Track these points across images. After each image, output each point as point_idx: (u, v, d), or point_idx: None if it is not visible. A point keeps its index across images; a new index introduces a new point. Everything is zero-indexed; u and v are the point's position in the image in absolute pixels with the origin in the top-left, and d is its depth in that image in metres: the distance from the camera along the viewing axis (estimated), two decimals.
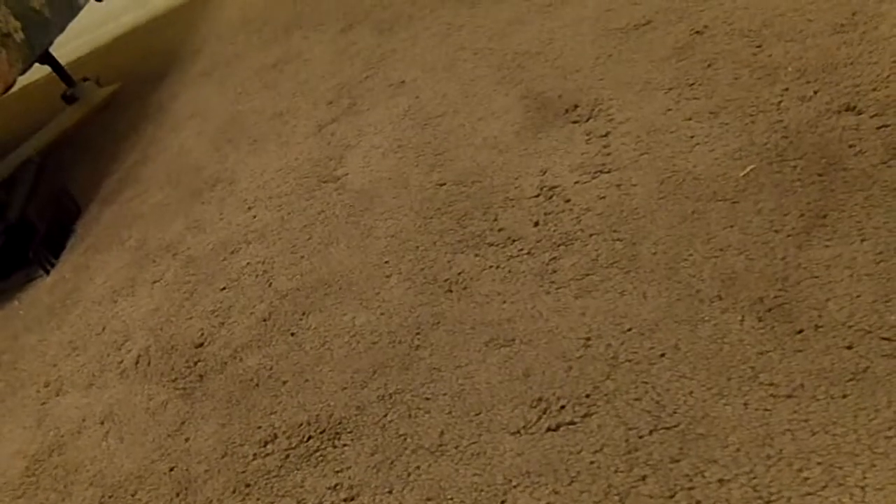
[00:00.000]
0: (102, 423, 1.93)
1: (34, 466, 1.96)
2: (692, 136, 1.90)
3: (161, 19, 6.25)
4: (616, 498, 1.23)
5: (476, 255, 1.85)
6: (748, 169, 1.74)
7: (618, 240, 1.70)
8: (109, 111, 4.56)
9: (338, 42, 3.69)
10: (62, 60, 5.04)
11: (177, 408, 1.85)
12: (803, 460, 1.15)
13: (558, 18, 2.81)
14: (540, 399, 1.42)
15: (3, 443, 2.12)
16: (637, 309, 1.51)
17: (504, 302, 1.67)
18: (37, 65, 4.26)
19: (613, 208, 1.79)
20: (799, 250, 1.48)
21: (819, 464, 1.14)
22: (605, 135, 2.05)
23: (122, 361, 2.11)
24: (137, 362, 2.07)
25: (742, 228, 1.58)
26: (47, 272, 2.87)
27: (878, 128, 1.66)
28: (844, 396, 1.20)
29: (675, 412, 1.29)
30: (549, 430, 1.36)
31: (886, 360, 1.22)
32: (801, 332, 1.32)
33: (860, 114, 1.73)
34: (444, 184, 2.16)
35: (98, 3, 4.83)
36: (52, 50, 4.67)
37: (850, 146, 1.65)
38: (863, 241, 1.43)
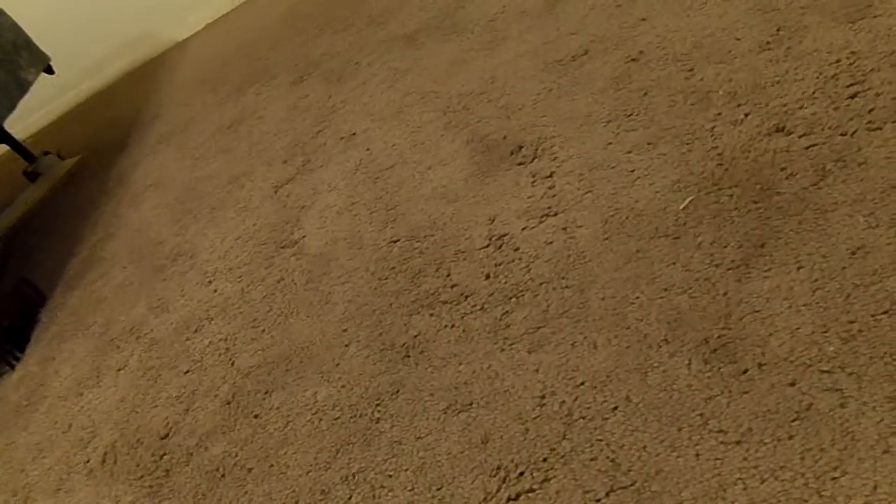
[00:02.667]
0: None
1: None
2: (632, 170, 1.92)
3: (119, 85, 6.26)
4: None
5: (431, 315, 1.85)
6: (687, 201, 1.75)
7: (566, 287, 1.70)
8: (71, 186, 4.55)
9: (290, 96, 3.71)
10: (22, 135, 5.03)
11: None
12: None
13: (499, 55, 2.83)
14: (499, 467, 1.42)
15: None
16: (588, 360, 1.51)
17: (460, 364, 1.68)
18: None
19: (561, 253, 1.80)
20: (739, 284, 1.48)
21: None
22: (550, 175, 2.06)
23: (88, 461, 2.09)
24: (104, 460, 2.05)
25: (684, 265, 1.59)
26: (13, 368, 2.85)
27: (807, 147, 1.68)
28: (790, 438, 1.21)
29: (629, 470, 1.29)
30: (509, 500, 1.36)
31: (828, 394, 1.23)
32: (745, 371, 1.33)
33: (789, 134, 1.74)
34: (398, 240, 2.17)
35: (51, 76, 4.82)
36: (9, 126, 4.67)
37: (782, 169, 1.67)
38: (799, 268, 1.44)
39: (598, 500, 1.28)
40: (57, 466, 2.17)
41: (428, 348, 1.77)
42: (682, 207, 1.74)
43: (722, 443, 1.26)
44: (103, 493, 1.96)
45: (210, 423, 1.95)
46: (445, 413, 1.59)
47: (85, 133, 5.47)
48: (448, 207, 2.18)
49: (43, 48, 4.60)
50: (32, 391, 2.63)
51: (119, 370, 2.40)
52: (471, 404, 1.58)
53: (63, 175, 4.79)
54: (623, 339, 1.52)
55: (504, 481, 1.39)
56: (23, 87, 4.40)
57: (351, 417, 1.72)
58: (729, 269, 1.53)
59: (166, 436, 2.00)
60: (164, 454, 1.94)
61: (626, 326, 1.54)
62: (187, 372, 2.18)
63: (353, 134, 2.93)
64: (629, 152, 1.98)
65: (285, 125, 3.42)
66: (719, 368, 1.36)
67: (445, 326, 1.80)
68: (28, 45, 4.44)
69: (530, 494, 1.35)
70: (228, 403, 1.97)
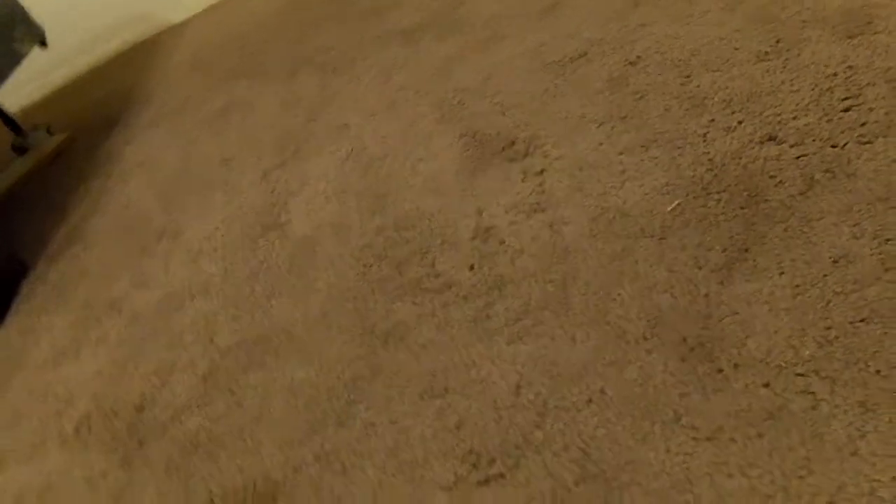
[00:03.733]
0: (41, 497, 1.90)
1: None
2: (623, 171, 1.93)
3: (113, 64, 6.22)
4: None
5: (413, 303, 1.85)
6: (675, 203, 1.76)
7: (550, 282, 1.71)
8: (59, 161, 4.53)
9: (284, 86, 3.71)
10: (13, 108, 4.99)
11: (115, 477, 1.82)
12: None
13: (496, 54, 2.84)
14: (471, 452, 1.42)
15: None
16: (566, 353, 1.52)
17: (439, 351, 1.68)
18: None
19: (546, 249, 1.80)
20: (721, 286, 1.49)
21: None
22: (540, 172, 2.07)
23: (63, 430, 2.08)
24: (78, 430, 2.04)
25: (668, 266, 1.60)
26: None
27: (798, 157, 1.69)
28: (761, 436, 1.21)
29: (600, 460, 1.30)
30: (479, 484, 1.36)
31: (801, 396, 1.24)
32: (721, 371, 1.34)
33: (781, 143, 1.76)
34: (385, 229, 2.17)
35: (45, 49, 4.79)
36: None
37: (771, 177, 1.68)
38: (781, 274, 1.45)
39: (568, 489, 1.29)
40: (31, 434, 2.15)
41: (408, 335, 1.77)
42: (669, 209, 1.75)
43: (693, 438, 1.27)
44: (76, 461, 1.95)
45: (186, 397, 1.94)
46: (421, 398, 1.59)
47: (76, 109, 5.44)
48: (437, 199, 2.18)
49: (38, 22, 4.57)
50: (10, 359, 2.61)
51: (98, 343, 2.39)
52: (446, 390, 1.58)
53: (51, 150, 4.76)
54: (602, 334, 1.53)
55: (475, 466, 1.40)
56: (16, 60, 4.37)
57: (327, 398, 1.72)
58: (712, 272, 1.54)
59: (142, 408, 1.99)
60: (139, 426, 1.94)
61: (605, 322, 1.55)
62: (166, 347, 2.17)
63: (346, 125, 2.93)
64: (621, 153, 1.99)
65: (278, 113, 3.42)
66: (695, 367, 1.37)
67: (427, 314, 1.80)
68: (23, 17, 4.41)
69: (500, 480, 1.35)
70: (206, 380, 1.96)
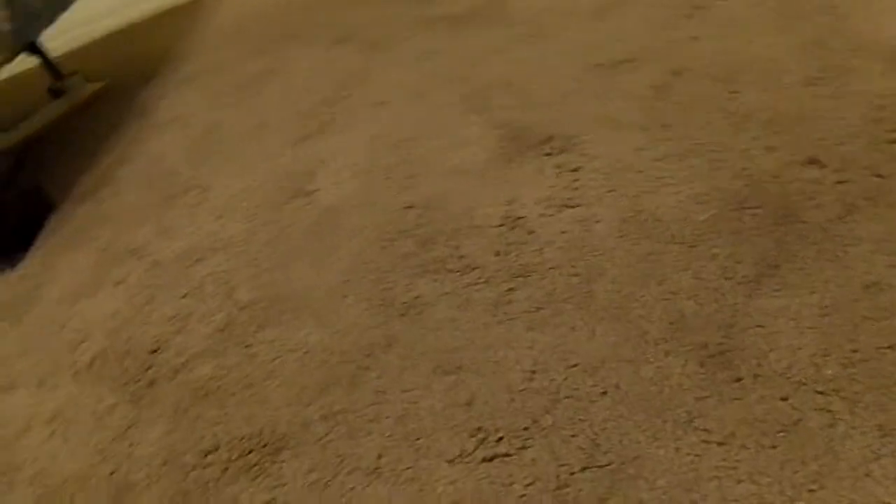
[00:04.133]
0: (49, 423, 1.92)
1: None
2: (660, 177, 1.92)
3: (155, 20, 6.25)
4: None
5: (435, 281, 1.85)
6: (709, 214, 1.75)
7: (575, 275, 1.71)
8: (94, 108, 4.55)
9: (323, 58, 3.72)
10: (53, 53, 5.01)
11: (124, 412, 1.83)
12: None
13: (540, 50, 2.84)
14: (479, 429, 1.42)
15: None
16: (585, 346, 1.52)
17: (456, 329, 1.68)
18: (24, 55, 4.26)
19: (575, 243, 1.80)
20: (748, 299, 1.49)
21: None
22: (576, 169, 2.07)
23: (76, 362, 2.09)
24: (91, 364, 2.06)
25: (696, 273, 1.59)
26: (13, 266, 2.85)
27: (838, 182, 1.68)
28: (774, 447, 1.21)
29: (608, 451, 1.30)
30: (484, 460, 1.36)
31: (819, 413, 1.23)
32: (739, 380, 1.33)
33: (823, 167, 1.75)
34: (412, 207, 2.17)
35: None
36: (42, 42, 4.66)
37: (810, 199, 1.67)
38: (811, 293, 1.45)
39: (573, 474, 1.29)
40: (44, 363, 2.17)
41: (426, 311, 1.77)
42: (702, 219, 1.75)
43: (704, 441, 1.26)
44: (87, 394, 1.96)
45: (200, 346, 1.95)
46: (434, 372, 1.59)
47: (115, 61, 5.46)
48: (467, 184, 2.18)
49: None
50: (30, 291, 2.63)
51: (117, 284, 2.40)
52: (460, 368, 1.58)
53: (87, 96, 4.79)
54: (622, 331, 1.53)
55: (482, 443, 1.40)
56: (65, 3, 4.40)
57: (339, 362, 1.72)
58: (740, 284, 1.53)
59: (155, 350, 2.00)
60: (151, 367, 1.95)
61: (627, 321, 1.55)
62: (185, 296, 2.18)
63: (381, 102, 2.94)
64: (659, 160, 1.98)
65: (315, 83, 3.43)
66: (714, 373, 1.37)
67: (447, 293, 1.80)
68: None
69: (506, 458, 1.35)
70: (221, 331, 1.97)
